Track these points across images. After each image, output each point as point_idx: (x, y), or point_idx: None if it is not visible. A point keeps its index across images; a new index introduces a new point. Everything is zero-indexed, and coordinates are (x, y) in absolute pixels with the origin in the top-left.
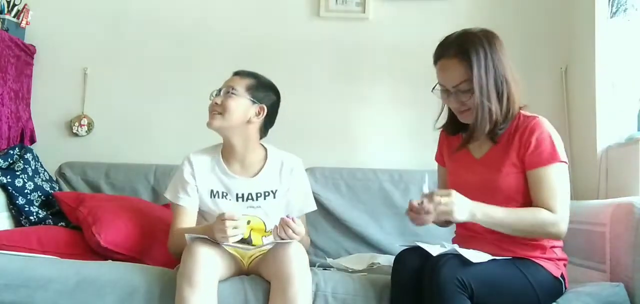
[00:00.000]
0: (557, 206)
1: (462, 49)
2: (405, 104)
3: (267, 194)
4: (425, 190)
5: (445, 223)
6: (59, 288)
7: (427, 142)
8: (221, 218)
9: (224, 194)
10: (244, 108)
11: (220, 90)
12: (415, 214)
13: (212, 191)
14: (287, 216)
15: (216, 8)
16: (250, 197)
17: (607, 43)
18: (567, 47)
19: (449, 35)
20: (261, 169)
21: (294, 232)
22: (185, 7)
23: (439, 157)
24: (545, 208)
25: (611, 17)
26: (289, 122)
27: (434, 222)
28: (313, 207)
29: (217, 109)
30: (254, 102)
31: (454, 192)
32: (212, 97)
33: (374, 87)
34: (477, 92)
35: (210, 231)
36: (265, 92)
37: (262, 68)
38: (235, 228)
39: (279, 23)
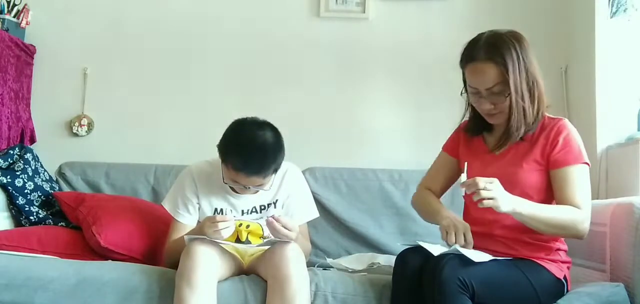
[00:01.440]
0: (583, 204)
1: (495, 52)
2: (405, 104)
3: (269, 204)
4: (464, 178)
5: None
6: (59, 288)
7: (427, 142)
8: (211, 220)
9: (229, 211)
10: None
11: (246, 186)
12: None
13: (216, 209)
14: (271, 217)
15: (216, 8)
16: (254, 210)
17: (607, 43)
18: (567, 47)
19: (478, 38)
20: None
21: (285, 228)
22: (185, 7)
23: (451, 148)
24: (571, 205)
25: (611, 17)
26: (289, 122)
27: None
28: (315, 214)
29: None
30: (277, 171)
31: (496, 181)
32: (234, 186)
33: (374, 87)
34: (513, 94)
35: (200, 230)
36: (280, 156)
37: (262, 68)
38: (226, 227)
39: (279, 23)
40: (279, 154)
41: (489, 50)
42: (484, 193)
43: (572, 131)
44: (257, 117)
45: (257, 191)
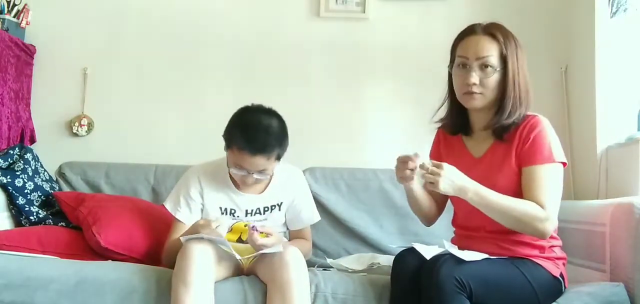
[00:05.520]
0: (547, 204)
1: (496, 30)
2: (405, 103)
3: (273, 207)
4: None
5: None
6: (59, 288)
7: (427, 142)
8: (204, 221)
9: (233, 210)
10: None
11: (249, 171)
12: (403, 164)
13: (221, 208)
14: (252, 228)
15: (216, 8)
16: (258, 211)
17: (607, 43)
18: (567, 47)
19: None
20: (268, 184)
21: (263, 239)
22: (185, 7)
23: (435, 156)
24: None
25: (611, 17)
26: (289, 123)
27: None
28: (317, 218)
29: (252, 186)
30: (280, 158)
31: (445, 165)
32: (237, 173)
33: (374, 87)
34: (510, 75)
35: (194, 230)
36: (285, 143)
37: (262, 68)
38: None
39: (279, 23)
40: (284, 140)
41: (489, 28)
42: (427, 177)
43: (544, 129)
44: (262, 104)
45: (260, 181)
